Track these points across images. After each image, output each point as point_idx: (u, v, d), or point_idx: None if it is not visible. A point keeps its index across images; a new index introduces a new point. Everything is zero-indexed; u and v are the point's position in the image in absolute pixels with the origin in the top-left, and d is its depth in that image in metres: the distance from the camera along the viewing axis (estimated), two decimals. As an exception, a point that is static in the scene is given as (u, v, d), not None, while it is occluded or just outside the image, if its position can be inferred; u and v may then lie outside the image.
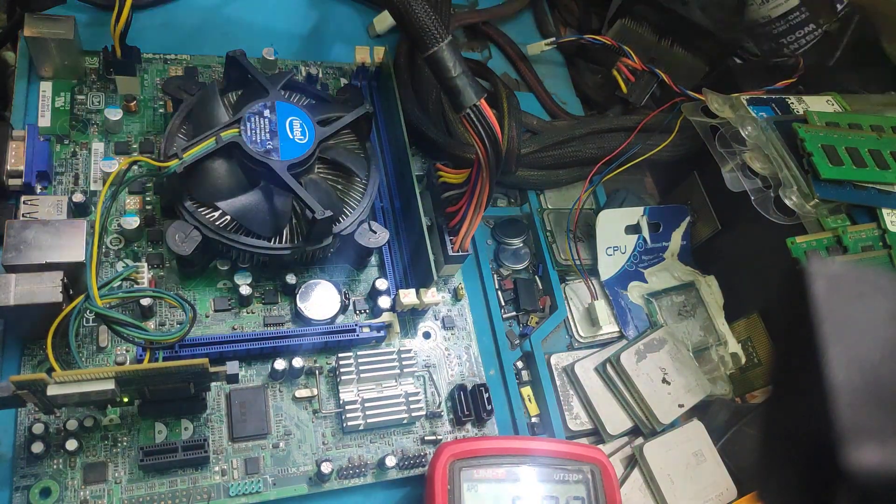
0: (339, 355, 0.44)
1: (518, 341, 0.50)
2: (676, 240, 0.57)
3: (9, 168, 0.41)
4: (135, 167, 0.44)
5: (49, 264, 0.37)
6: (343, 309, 0.46)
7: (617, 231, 0.55)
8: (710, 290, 0.55)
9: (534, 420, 0.48)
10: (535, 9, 0.67)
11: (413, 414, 0.43)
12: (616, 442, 0.48)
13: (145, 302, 0.41)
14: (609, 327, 0.52)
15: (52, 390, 0.34)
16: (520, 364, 0.50)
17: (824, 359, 0.13)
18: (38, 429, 0.36)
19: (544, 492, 0.41)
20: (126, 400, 0.38)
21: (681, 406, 0.48)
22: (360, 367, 0.44)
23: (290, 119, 0.43)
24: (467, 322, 0.49)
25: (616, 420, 0.48)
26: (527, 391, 0.49)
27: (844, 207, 0.49)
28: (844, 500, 0.12)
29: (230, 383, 0.41)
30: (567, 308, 0.53)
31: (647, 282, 0.55)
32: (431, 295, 0.45)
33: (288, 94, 0.48)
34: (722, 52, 0.59)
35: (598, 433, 0.49)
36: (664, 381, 0.49)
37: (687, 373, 0.50)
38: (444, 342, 0.48)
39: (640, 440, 0.48)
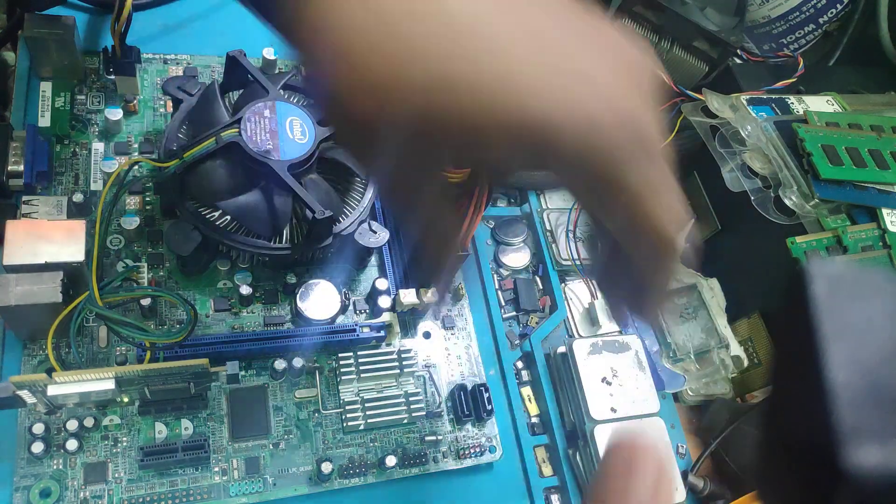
0: (339, 355, 0.44)
1: (518, 341, 0.50)
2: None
3: (9, 168, 0.41)
4: (135, 168, 0.44)
5: (49, 264, 0.37)
6: (343, 309, 0.46)
7: (617, 231, 0.55)
8: (713, 293, 0.54)
9: (534, 420, 0.48)
10: (535, 9, 0.67)
11: (413, 414, 0.43)
12: None
13: (146, 302, 0.41)
14: (609, 327, 0.52)
15: (52, 390, 0.34)
16: (520, 364, 0.50)
17: (824, 359, 0.13)
18: (38, 429, 0.36)
19: None
20: (126, 400, 0.38)
21: (613, 410, 0.47)
22: (361, 367, 0.44)
23: (290, 119, 0.43)
24: (467, 322, 0.49)
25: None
26: (527, 391, 0.49)
27: (844, 207, 0.48)
28: (844, 500, 0.12)
29: (230, 383, 0.41)
30: (567, 308, 0.53)
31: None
32: (431, 295, 0.45)
33: (288, 94, 0.48)
34: (722, 52, 0.59)
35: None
36: (605, 381, 0.47)
37: (639, 385, 0.48)
38: (444, 342, 0.48)
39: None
